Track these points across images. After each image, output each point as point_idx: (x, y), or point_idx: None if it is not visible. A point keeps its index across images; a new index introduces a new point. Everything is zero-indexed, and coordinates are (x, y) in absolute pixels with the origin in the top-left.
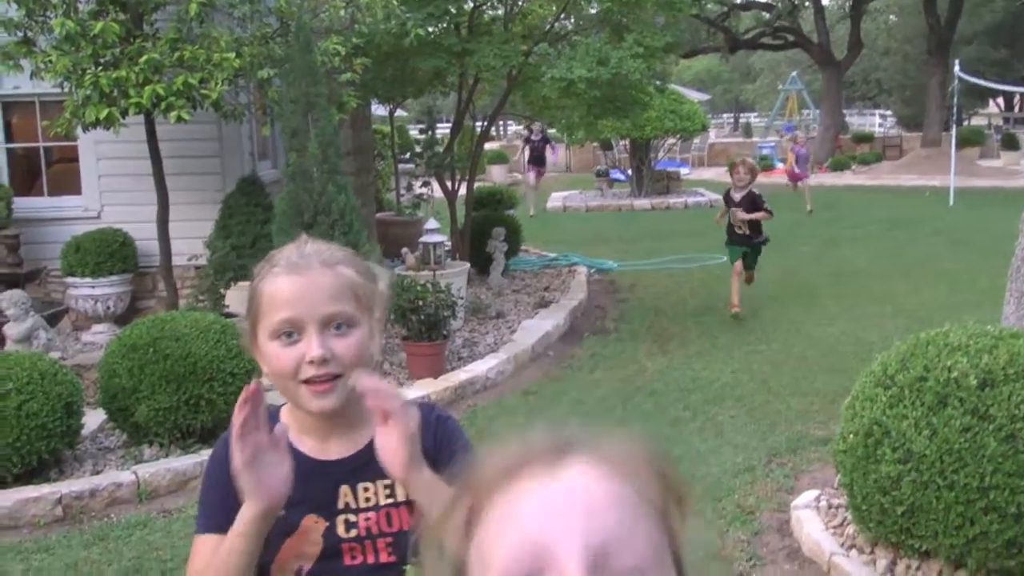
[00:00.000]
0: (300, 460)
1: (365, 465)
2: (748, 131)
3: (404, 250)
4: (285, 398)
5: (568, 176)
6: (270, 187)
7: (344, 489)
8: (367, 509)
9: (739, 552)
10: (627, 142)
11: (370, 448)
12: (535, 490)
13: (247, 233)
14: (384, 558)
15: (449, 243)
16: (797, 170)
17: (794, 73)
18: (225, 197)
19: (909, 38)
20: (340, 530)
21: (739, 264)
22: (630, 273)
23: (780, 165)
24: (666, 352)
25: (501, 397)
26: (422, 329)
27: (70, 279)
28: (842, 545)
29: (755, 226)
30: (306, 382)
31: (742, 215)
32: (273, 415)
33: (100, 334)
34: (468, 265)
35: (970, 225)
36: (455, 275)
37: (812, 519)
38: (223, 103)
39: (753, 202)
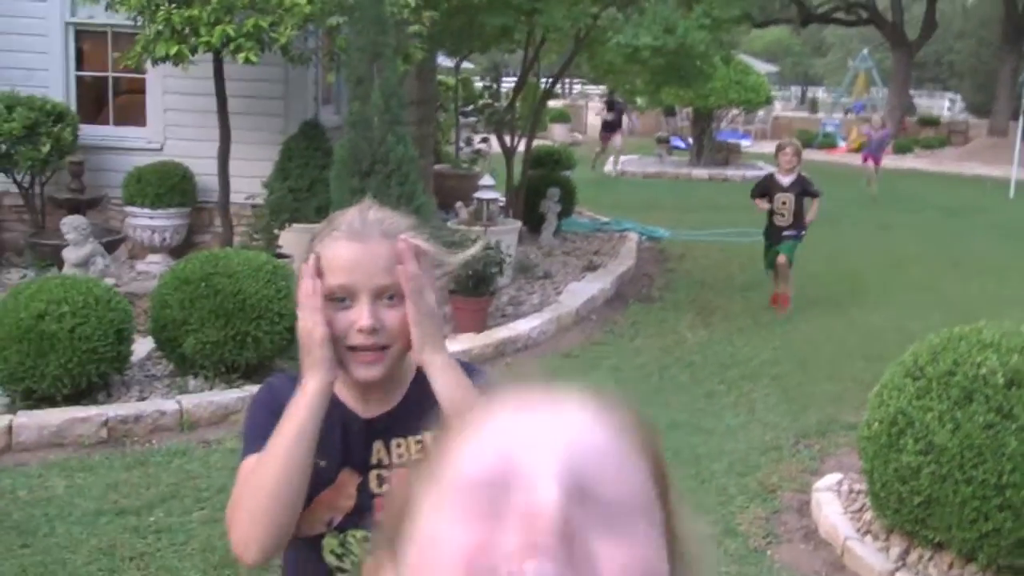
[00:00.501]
0: (340, 413)
1: (399, 422)
2: (814, 106)
3: (458, 204)
4: (337, 357)
5: (629, 140)
6: (331, 133)
7: (378, 445)
8: (400, 464)
9: (756, 529)
10: (690, 110)
11: (404, 405)
12: (521, 409)
13: (305, 177)
14: None
15: (503, 200)
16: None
17: (865, 51)
18: (286, 140)
19: (985, 22)
20: (372, 485)
21: (781, 258)
22: (681, 243)
23: (843, 144)
24: (708, 325)
25: (542, 357)
26: (469, 284)
27: (129, 208)
28: (858, 530)
29: (799, 215)
30: (352, 349)
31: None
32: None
33: (155, 264)
34: (520, 224)
35: None
36: (506, 232)
37: (832, 502)
38: (291, 48)
39: (803, 186)
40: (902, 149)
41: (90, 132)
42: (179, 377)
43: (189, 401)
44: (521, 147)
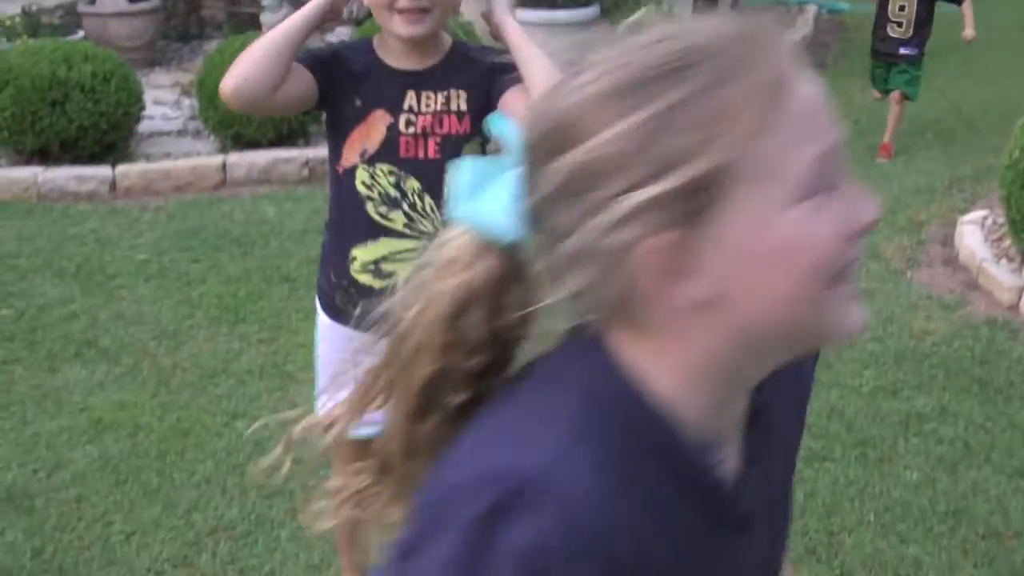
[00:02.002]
0: (380, 66)
1: (431, 78)
2: None
3: None
4: (380, 24)
5: None
6: None
7: (411, 94)
8: (426, 113)
9: (899, 255)
10: None
11: (438, 65)
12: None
13: None
14: (432, 154)
15: None
16: None
17: None
18: None
19: None
20: (401, 125)
21: (895, 95)
22: (863, 16)
23: None
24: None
25: None
26: None
27: None
28: (995, 255)
29: (923, 25)
30: (400, 12)
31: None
32: (365, 44)
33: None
34: None
35: None
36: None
37: (974, 232)
38: None
39: None
40: None
41: None
42: None
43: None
44: None
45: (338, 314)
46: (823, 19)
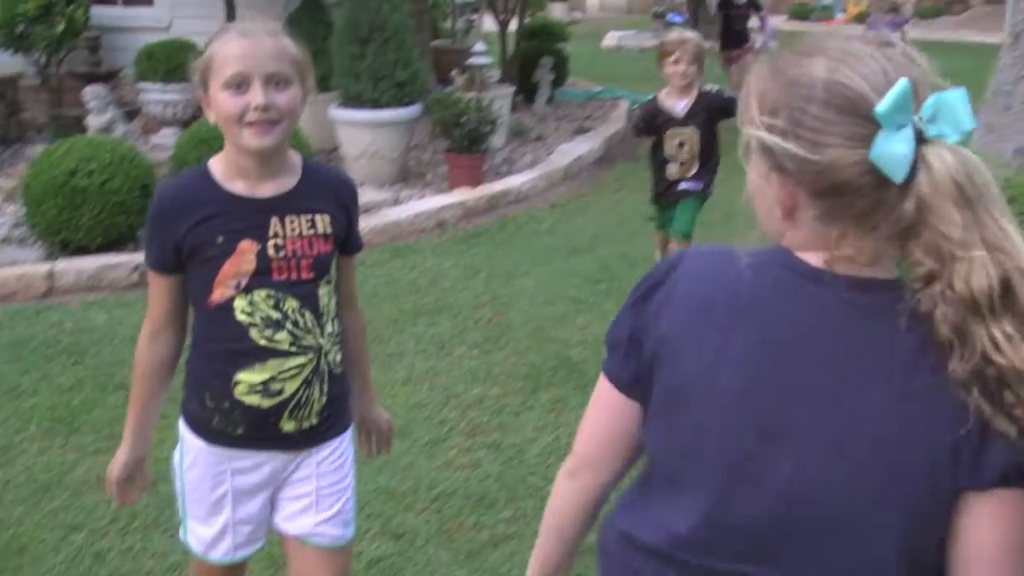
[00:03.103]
0: (231, 199)
1: (290, 202)
2: None
3: (453, 72)
4: (229, 141)
5: (628, 17)
6: (331, 9)
7: (274, 220)
8: (293, 236)
9: None
10: None
11: (295, 190)
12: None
13: (308, 50)
14: (305, 275)
15: (498, 71)
16: None
17: None
18: (288, 15)
19: None
20: (271, 251)
21: (672, 244)
22: None
23: (840, 16)
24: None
25: (531, 209)
26: (464, 143)
27: (142, 84)
28: None
29: (709, 153)
30: (249, 125)
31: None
32: (203, 180)
33: (167, 138)
34: (513, 89)
35: None
36: (499, 96)
37: None
38: None
39: (713, 110)
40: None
41: (101, 12)
42: None
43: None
44: (515, 24)
45: (216, 436)
46: (635, 112)
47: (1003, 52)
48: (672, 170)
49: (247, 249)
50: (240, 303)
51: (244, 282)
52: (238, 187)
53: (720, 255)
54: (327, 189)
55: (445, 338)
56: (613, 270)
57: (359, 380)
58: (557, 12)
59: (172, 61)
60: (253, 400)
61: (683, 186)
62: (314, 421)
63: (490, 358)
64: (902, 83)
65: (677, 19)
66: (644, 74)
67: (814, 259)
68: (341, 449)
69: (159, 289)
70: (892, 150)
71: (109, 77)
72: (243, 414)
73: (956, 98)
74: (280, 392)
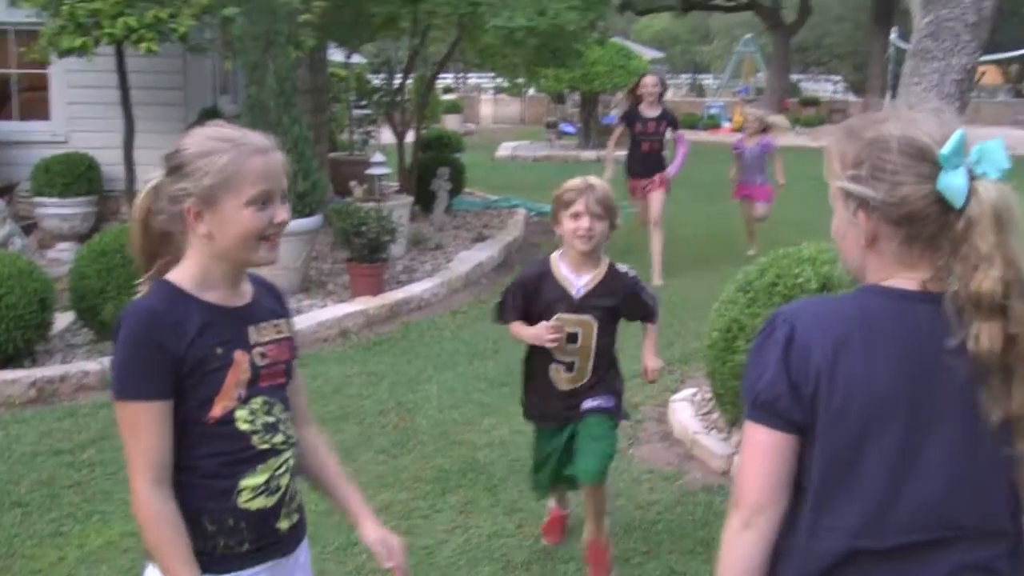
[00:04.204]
0: (213, 309)
1: (257, 310)
2: (701, 91)
3: (352, 183)
4: (234, 256)
5: (520, 128)
6: (230, 120)
7: (251, 328)
8: (268, 343)
9: (620, 435)
10: (577, 96)
11: (255, 297)
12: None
13: None
14: (282, 379)
15: (397, 182)
16: (746, 178)
17: (748, 36)
18: (187, 128)
19: (860, 6)
20: (257, 360)
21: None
22: None
23: (727, 125)
24: None
25: (432, 316)
26: (364, 252)
27: (38, 199)
28: (706, 427)
29: (605, 368)
30: (265, 239)
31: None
32: (173, 294)
33: (64, 252)
34: (411, 199)
35: None
36: (398, 206)
37: (685, 408)
38: (190, 38)
39: (623, 301)
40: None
41: None
42: (100, 343)
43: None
44: (412, 136)
45: (223, 562)
46: (532, 220)
47: None
48: (558, 376)
49: (241, 359)
50: (241, 413)
51: (244, 392)
52: (213, 297)
53: (824, 302)
54: (274, 294)
55: (351, 445)
56: (516, 373)
57: (357, 498)
58: (452, 124)
59: (69, 175)
60: (258, 503)
61: (587, 404)
62: (295, 518)
63: (397, 463)
64: (959, 133)
65: (569, 129)
66: (539, 183)
67: (905, 284)
68: (307, 553)
69: (155, 421)
70: (952, 183)
71: (5, 191)
72: (248, 523)
73: (995, 146)
74: (279, 488)
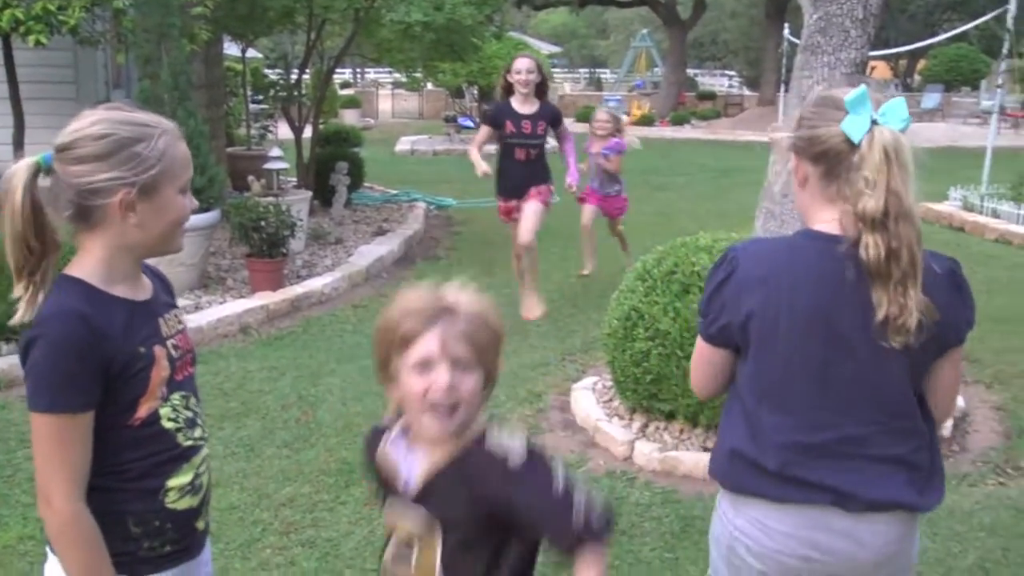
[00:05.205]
0: (130, 305)
1: (159, 302)
2: (599, 86)
3: (250, 177)
4: (155, 246)
5: (419, 122)
6: None
7: (160, 321)
8: (176, 334)
9: (523, 423)
10: (476, 90)
11: (154, 289)
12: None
13: None
14: (190, 370)
15: (295, 177)
16: (597, 187)
17: (645, 31)
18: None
19: (754, 2)
20: (173, 353)
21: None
22: (467, 210)
23: (625, 118)
24: (491, 275)
25: (334, 309)
26: (263, 247)
27: None
28: (607, 415)
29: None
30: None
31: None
32: (76, 285)
33: None
34: (310, 193)
35: None
36: (297, 201)
37: (587, 397)
38: (80, 30)
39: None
40: (679, 120)
41: None
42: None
43: (5, 362)
44: (309, 132)
45: (144, 566)
46: (432, 214)
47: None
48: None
49: (161, 355)
50: (165, 411)
51: (165, 389)
52: (122, 292)
53: (765, 243)
54: (165, 284)
55: (254, 440)
56: None
57: None
58: (350, 118)
59: None
60: (184, 503)
61: None
62: (208, 516)
63: (300, 456)
64: (863, 87)
65: (468, 123)
66: (438, 177)
67: (828, 227)
68: (208, 551)
69: (80, 433)
70: (853, 123)
71: None
72: (173, 524)
73: (898, 103)
74: (201, 487)
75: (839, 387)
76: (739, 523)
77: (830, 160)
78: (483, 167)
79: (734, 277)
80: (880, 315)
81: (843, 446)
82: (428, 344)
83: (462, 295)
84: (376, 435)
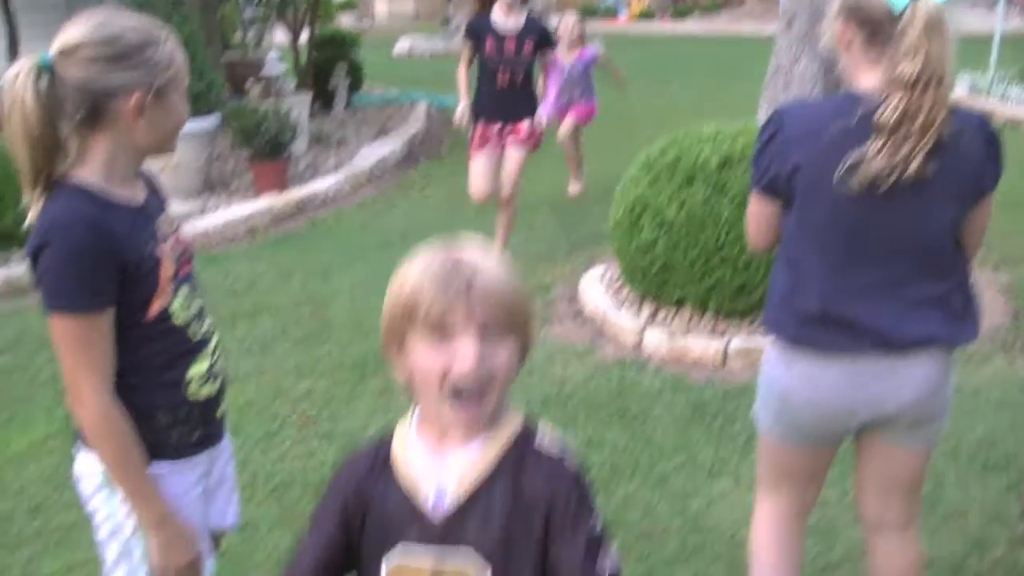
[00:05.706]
0: (131, 209)
1: (154, 203)
2: None
3: (248, 82)
4: (157, 147)
5: (415, 24)
6: None
7: (159, 221)
8: (172, 233)
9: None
10: None
11: (148, 191)
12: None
13: None
14: (190, 267)
15: (293, 81)
16: (578, 97)
17: None
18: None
19: None
20: (172, 251)
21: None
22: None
23: (624, 15)
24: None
25: (339, 210)
26: (266, 149)
27: None
28: (616, 304)
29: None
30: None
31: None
32: (79, 190)
33: None
34: (310, 95)
35: None
36: (297, 103)
37: (595, 286)
38: None
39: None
40: (681, 14)
41: None
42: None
43: (19, 268)
44: (307, 35)
45: (183, 450)
46: (434, 114)
47: (778, 36)
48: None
49: (166, 254)
50: (175, 308)
51: (173, 286)
52: (123, 196)
53: (810, 106)
54: (156, 185)
55: (268, 337)
56: None
57: None
58: (346, 21)
59: None
60: (205, 391)
61: None
62: (225, 406)
63: (315, 352)
64: None
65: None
66: (438, 77)
67: (868, 85)
68: (230, 442)
69: (104, 331)
70: None
71: None
72: (199, 412)
73: None
74: (218, 374)
75: (878, 233)
76: (790, 377)
77: (874, 25)
78: (462, 112)
79: (780, 134)
80: (865, 168)
81: (882, 288)
82: (449, 309)
83: (482, 252)
84: (359, 461)
